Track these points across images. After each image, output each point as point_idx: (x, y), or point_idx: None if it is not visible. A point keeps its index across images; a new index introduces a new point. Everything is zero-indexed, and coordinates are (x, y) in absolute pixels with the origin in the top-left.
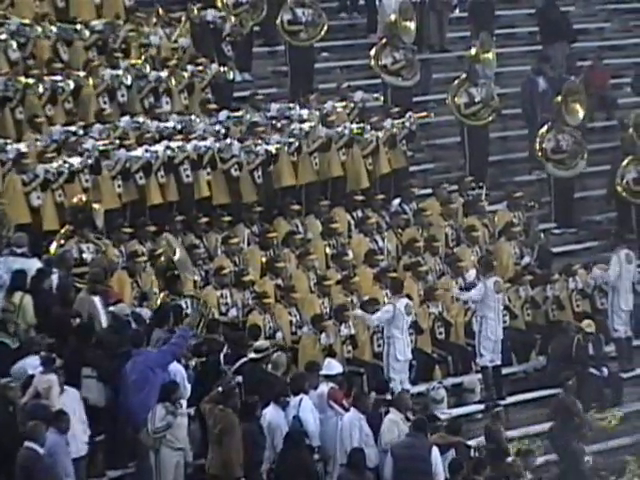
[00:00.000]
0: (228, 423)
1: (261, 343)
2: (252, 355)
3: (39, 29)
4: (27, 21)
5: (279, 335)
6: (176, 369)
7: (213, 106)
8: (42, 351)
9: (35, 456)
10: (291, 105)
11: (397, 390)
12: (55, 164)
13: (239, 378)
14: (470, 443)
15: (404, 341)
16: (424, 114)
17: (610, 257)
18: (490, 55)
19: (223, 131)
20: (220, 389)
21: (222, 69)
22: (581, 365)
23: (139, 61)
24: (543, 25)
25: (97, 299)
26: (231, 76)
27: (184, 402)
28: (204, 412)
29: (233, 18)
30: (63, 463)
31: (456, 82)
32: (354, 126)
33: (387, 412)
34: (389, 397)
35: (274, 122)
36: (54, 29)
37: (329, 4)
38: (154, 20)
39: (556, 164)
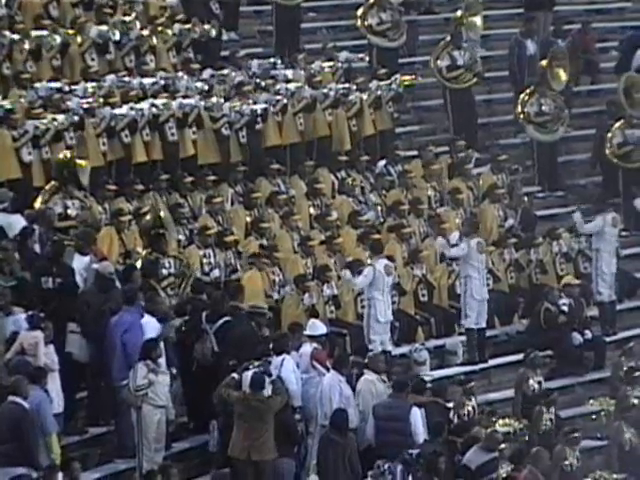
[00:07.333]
0: (266, 409)
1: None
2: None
3: None
4: None
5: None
6: (154, 327)
7: (196, 65)
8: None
9: (20, 410)
10: (273, 60)
11: (377, 351)
12: (44, 120)
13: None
14: (449, 405)
15: (385, 302)
16: (410, 77)
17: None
18: (476, 19)
19: (206, 88)
20: (248, 389)
21: (205, 27)
22: (555, 332)
23: (128, 18)
24: None
25: (81, 257)
26: (213, 34)
27: (163, 360)
28: (225, 397)
29: None
30: (50, 418)
31: (440, 44)
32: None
33: (361, 374)
34: (366, 360)
35: (258, 81)
36: None
37: None
38: None
39: (537, 127)
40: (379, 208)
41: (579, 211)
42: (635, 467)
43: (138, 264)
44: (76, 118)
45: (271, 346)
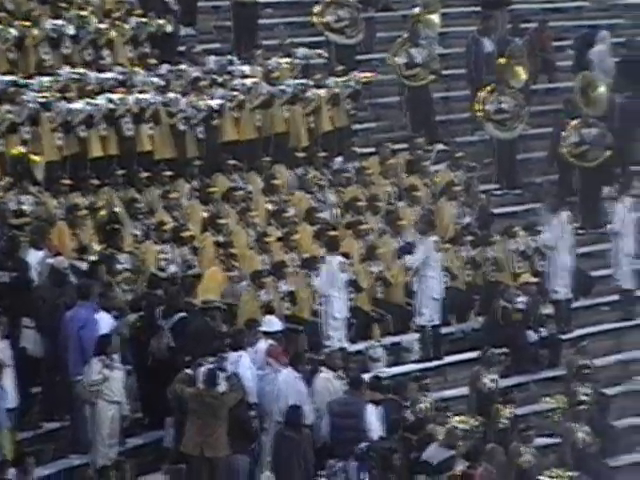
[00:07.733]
0: (220, 405)
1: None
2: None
3: None
4: None
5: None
6: (108, 322)
7: (153, 60)
8: None
9: None
10: (230, 58)
11: (335, 348)
12: None
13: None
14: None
15: (341, 299)
16: (370, 75)
17: (551, 218)
18: (433, 16)
19: (163, 83)
20: (202, 385)
21: (161, 22)
22: (510, 329)
23: (85, 12)
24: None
25: (36, 252)
26: (169, 29)
27: (118, 355)
28: (178, 393)
29: None
30: (2, 414)
31: (397, 41)
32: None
33: (316, 370)
34: (321, 357)
35: (214, 77)
36: None
37: None
38: None
39: (497, 125)
40: (335, 210)
41: (545, 232)
42: (588, 465)
43: (93, 259)
44: (31, 106)
45: (227, 342)
